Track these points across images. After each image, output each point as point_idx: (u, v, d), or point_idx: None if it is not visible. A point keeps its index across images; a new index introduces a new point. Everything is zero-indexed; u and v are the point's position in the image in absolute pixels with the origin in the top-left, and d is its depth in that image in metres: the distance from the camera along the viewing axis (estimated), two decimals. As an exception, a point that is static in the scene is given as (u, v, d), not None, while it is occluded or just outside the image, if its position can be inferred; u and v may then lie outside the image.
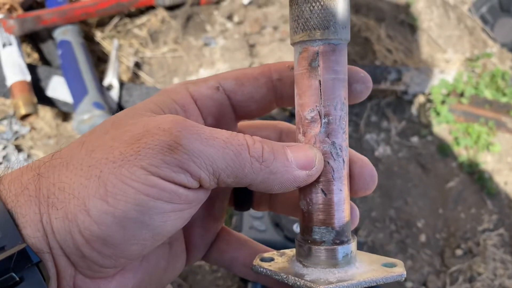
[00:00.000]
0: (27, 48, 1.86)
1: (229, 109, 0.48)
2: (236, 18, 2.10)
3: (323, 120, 0.43)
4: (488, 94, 2.14)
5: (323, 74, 0.42)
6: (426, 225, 1.90)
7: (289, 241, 1.45)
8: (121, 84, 1.77)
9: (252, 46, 2.04)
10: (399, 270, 0.43)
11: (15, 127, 1.75)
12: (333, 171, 0.43)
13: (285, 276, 0.43)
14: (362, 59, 2.14)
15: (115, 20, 2.00)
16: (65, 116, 1.81)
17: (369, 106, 2.09)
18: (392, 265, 0.44)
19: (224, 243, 0.54)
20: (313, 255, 0.44)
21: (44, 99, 1.68)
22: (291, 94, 0.46)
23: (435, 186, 2.00)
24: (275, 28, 2.05)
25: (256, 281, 0.53)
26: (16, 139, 1.74)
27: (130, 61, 1.93)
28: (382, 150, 2.03)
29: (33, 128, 1.77)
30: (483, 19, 2.38)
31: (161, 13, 2.04)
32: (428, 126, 2.12)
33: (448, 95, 2.12)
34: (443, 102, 2.11)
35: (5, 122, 1.75)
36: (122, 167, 0.36)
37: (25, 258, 0.35)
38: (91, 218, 0.36)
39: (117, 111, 1.50)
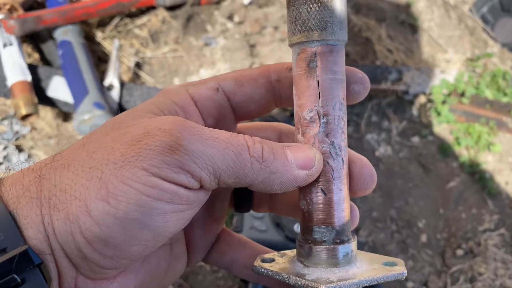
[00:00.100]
0: (28, 48, 1.86)
1: (228, 110, 0.49)
2: (236, 18, 2.10)
3: (322, 120, 0.43)
4: (489, 94, 2.14)
5: (321, 75, 0.43)
6: (427, 225, 1.90)
7: (290, 241, 1.45)
8: (122, 84, 1.77)
9: (252, 46, 2.04)
10: (399, 268, 0.43)
11: (16, 127, 1.75)
12: (333, 170, 0.44)
13: (286, 276, 0.43)
14: (363, 59, 2.14)
15: (116, 20, 2.00)
16: (65, 116, 1.81)
17: (369, 106, 2.09)
18: (392, 264, 0.44)
19: (224, 245, 0.54)
20: (313, 254, 0.44)
21: (44, 99, 1.68)
22: (290, 94, 0.47)
23: (436, 186, 2.00)
24: (276, 28, 2.05)
25: (257, 282, 0.53)
26: (17, 139, 1.74)
27: (130, 61, 1.93)
28: (383, 150, 2.03)
29: (33, 128, 1.77)
30: (484, 19, 2.38)
31: (162, 13, 2.05)
32: (429, 126, 2.12)
33: (449, 95, 2.11)
34: (444, 102, 2.11)
35: (5, 122, 1.75)
36: (123, 168, 0.36)
37: (27, 260, 0.35)
38: (93, 219, 0.36)
39: (117, 111, 1.50)
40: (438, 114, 2.10)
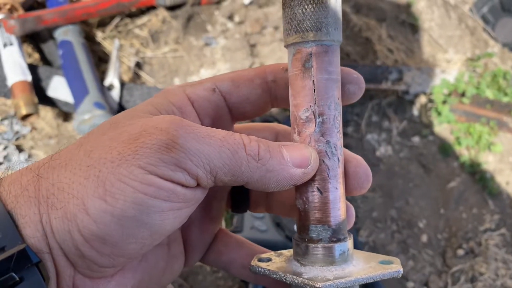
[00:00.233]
0: (28, 48, 1.86)
1: (225, 111, 0.49)
2: (237, 18, 2.10)
3: (318, 120, 0.44)
4: (489, 94, 2.14)
5: (316, 75, 0.43)
6: (427, 225, 1.90)
7: (290, 241, 1.45)
8: (122, 84, 1.77)
9: (253, 46, 2.04)
10: (396, 267, 0.44)
11: (16, 127, 1.75)
12: (328, 169, 0.44)
13: (283, 275, 0.44)
14: (363, 59, 2.14)
15: (116, 20, 2.01)
16: (66, 116, 1.81)
17: (370, 106, 2.09)
18: (389, 262, 0.45)
19: (222, 245, 0.55)
20: (310, 253, 0.44)
21: (45, 99, 1.68)
22: (286, 95, 0.47)
23: (436, 186, 2.00)
24: (276, 28, 2.06)
25: (254, 282, 0.53)
26: (17, 139, 1.75)
27: (131, 61, 1.93)
28: (383, 150, 2.03)
29: (34, 128, 1.77)
30: (484, 19, 2.38)
31: (162, 13, 2.05)
32: (429, 126, 2.12)
33: (449, 95, 2.11)
34: (444, 102, 2.11)
35: (6, 122, 1.76)
36: (120, 166, 0.37)
37: (25, 258, 0.36)
38: (90, 217, 0.36)
39: (118, 111, 1.50)
40: (439, 114, 2.10)
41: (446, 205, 1.96)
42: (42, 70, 1.70)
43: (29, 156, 1.71)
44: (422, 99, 2.16)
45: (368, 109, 2.09)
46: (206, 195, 0.43)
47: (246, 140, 0.40)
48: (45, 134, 1.77)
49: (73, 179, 0.37)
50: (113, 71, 1.76)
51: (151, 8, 2.07)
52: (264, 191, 0.45)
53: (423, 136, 2.10)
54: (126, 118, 0.42)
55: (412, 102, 2.16)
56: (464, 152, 2.09)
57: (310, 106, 0.43)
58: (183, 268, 0.52)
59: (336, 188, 0.44)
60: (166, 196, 0.37)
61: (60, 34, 1.77)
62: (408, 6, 2.36)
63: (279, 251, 0.50)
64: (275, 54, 1.99)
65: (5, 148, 1.70)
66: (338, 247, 0.44)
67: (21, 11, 1.72)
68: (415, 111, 2.15)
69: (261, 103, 0.49)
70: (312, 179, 0.44)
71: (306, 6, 0.42)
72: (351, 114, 2.07)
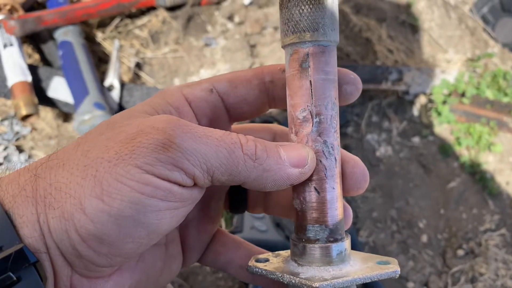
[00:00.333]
0: (28, 48, 1.86)
1: (222, 111, 0.49)
2: (237, 19, 2.10)
3: (315, 120, 0.44)
4: (489, 94, 2.14)
5: (313, 75, 0.43)
6: (427, 225, 1.90)
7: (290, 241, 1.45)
8: (122, 84, 1.77)
9: (253, 46, 2.04)
10: (393, 267, 0.44)
11: (16, 127, 1.76)
12: (326, 169, 0.44)
13: (280, 275, 0.44)
14: (363, 59, 2.14)
15: (116, 21, 2.01)
16: (66, 116, 1.81)
17: (370, 106, 2.09)
18: (386, 263, 0.45)
19: (219, 245, 0.55)
20: (307, 253, 0.45)
21: (45, 100, 1.69)
22: (283, 95, 0.47)
23: (436, 187, 2.00)
24: (276, 29, 2.06)
25: (251, 283, 0.53)
26: (17, 139, 1.75)
27: (131, 62, 1.93)
28: (383, 151, 2.03)
29: (34, 129, 1.78)
30: (484, 19, 2.38)
31: (162, 13, 2.05)
32: (429, 126, 2.12)
33: (449, 95, 2.11)
34: (444, 102, 2.11)
35: (6, 122, 1.76)
36: (117, 166, 0.37)
37: (23, 258, 0.36)
38: (87, 217, 0.36)
39: (117, 112, 1.51)
40: (439, 114, 2.10)
41: (446, 205, 1.96)
42: (42, 71, 1.70)
43: (29, 156, 1.71)
44: (422, 100, 2.16)
45: (368, 110, 2.09)
46: (203, 195, 0.43)
47: (243, 140, 0.41)
48: (45, 135, 1.77)
49: (71, 179, 0.38)
50: (113, 72, 1.76)
51: (151, 8, 2.07)
52: (261, 191, 0.45)
53: (423, 136, 2.10)
54: (124, 118, 0.42)
55: (412, 103, 2.16)
56: (464, 152, 2.09)
57: (307, 106, 0.44)
58: (181, 269, 0.52)
59: (333, 188, 0.44)
60: (163, 196, 0.37)
61: (60, 35, 1.77)
62: (408, 6, 2.36)
63: (276, 252, 0.50)
64: (275, 54, 2.00)
65: (5, 148, 1.71)
66: (335, 247, 0.44)
67: (21, 12, 1.72)
68: (415, 112, 2.15)
69: (258, 104, 0.49)
70: (309, 179, 0.44)
71: (303, 7, 0.42)
72: (351, 114, 2.07)
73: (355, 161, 0.47)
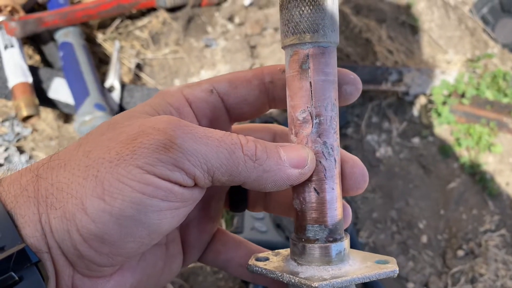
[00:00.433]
0: (29, 50, 1.86)
1: (223, 111, 0.49)
2: (237, 20, 2.11)
3: (315, 121, 0.44)
4: (489, 94, 2.14)
5: (313, 76, 0.44)
6: (427, 226, 1.90)
7: (290, 242, 1.45)
8: (123, 85, 1.78)
9: (253, 47, 2.04)
10: (391, 266, 0.44)
11: (17, 128, 1.76)
12: (325, 170, 0.44)
13: (279, 274, 0.44)
14: (363, 60, 2.14)
15: (117, 22, 2.01)
16: (66, 117, 1.82)
17: (370, 107, 2.10)
18: (385, 262, 0.45)
19: (220, 244, 0.55)
20: (307, 253, 0.45)
21: (45, 101, 1.69)
22: (283, 96, 0.47)
23: (436, 187, 2.00)
24: (276, 30, 2.06)
25: (251, 281, 0.54)
26: (18, 140, 1.75)
27: (131, 63, 1.93)
28: (383, 151, 2.03)
29: (34, 130, 1.78)
30: (484, 19, 2.38)
31: (162, 14, 2.05)
32: (429, 127, 2.12)
33: (449, 96, 2.12)
34: (444, 103, 2.11)
35: (7, 123, 1.76)
36: (119, 166, 0.37)
37: (25, 258, 0.36)
38: (89, 217, 0.37)
39: (118, 113, 1.51)
40: (439, 115, 2.10)
41: (446, 206, 1.96)
42: (43, 72, 1.70)
43: (30, 157, 1.71)
44: (422, 100, 2.16)
45: (368, 110, 2.09)
46: (204, 195, 0.43)
47: (243, 141, 0.41)
48: (46, 136, 1.77)
49: (72, 179, 0.38)
50: (114, 73, 1.76)
51: (151, 9, 2.07)
52: (261, 191, 0.46)
53: (423, 137, 2.10)
54: (124, 118, 0.42)
55: (412, 103, 2.16)
56: (464, 153, 2.09)
57: (307, 107, 0.44)
58: (181, 268, 0.53)
59: (333, 189, 0.45)
60: (164, 196, 0.38)
61: (61, 36, 1.77)
62: (408, 7, 2.36)
63: (276, 251, 0.50)
64: (275, 55, 2.00)
65: (6, 149, 1.71)
66: (334, 247, 0.44)
67: (22, 13, 1.72)
68: (415, 112, 2.15)
69: (258, 104, 0.49)
70: (309, 180, 0.44)
71: (303, 8, 0.43)
72: (351, 115, 2.07)
73: (355, 161, 0.48)
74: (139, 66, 1.96)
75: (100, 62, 1.93)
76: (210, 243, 0.55)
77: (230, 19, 2.11)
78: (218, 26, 2.09)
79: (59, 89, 1.70)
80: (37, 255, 0.37)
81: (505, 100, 2.14)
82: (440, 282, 1.78)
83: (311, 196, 0.45)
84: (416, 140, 2.09)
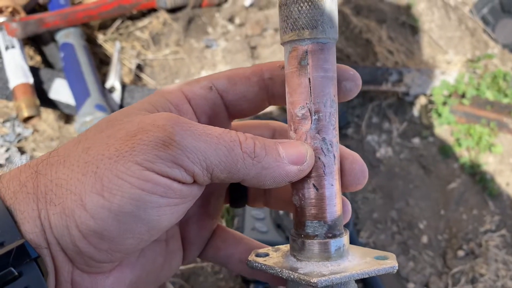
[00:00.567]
0: (30, 50, 1.87)
1: (222, 108, 0.49)
2: (237, 20, 2.11)
3: (314, 117, 0.44)
4: (489, 95, 2.14)
5: (312, 72, 0.44)
6: (428, 226, 1.90)
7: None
8: (123, 86, 1.78)
9: (253, 48, 2.05)
10: (391, 262, 0.44)
11: (18, 129, 1.76)
12: (324, 166, 0.44)
13: (279, 270, 0.44)
14: (364, 60, 2.14)
15: (117, 23, 2.01)
16: (67, 118, 1.82)
17: (370, 108, 2.10)
18: (384, 258, 0.45)
19: (220, 241, 0.55)
20: (306, 249, 0.45)
21: (46, 102, 1.69)
22: (282, 92, 0.47)
23: (436, 187, 2.00)
24: (276, 30, 2.06)
25: (251, 277, 0.54)
26: (19, 141, 1.75)
27: (132, 64, 1.94)
28: (383, 152, 2.03)
29: (35, 130, 1.78)
30: (484, 20, 2.38)
31: (163, 15, 2.05)
32: (429, 127, 2.13)
33: (449, 96, 2.12)
34: (444, 103, 2.11)
35: (8, 124, 1.76)
36: (118, 162, 0.37)
37: (24, 254, 0.36)
38: (88, 213, 0.37)
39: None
40: (439, 115, 2.10)
41: (446, 206, 1.96)
42: (44, 73, 1.71)
43: (31, 158, 1.72)
44: (422, 101, 2.16)
45: (369, 111, 2.09)
46: (204, 192, 0.43)
47: (242, 138, 0.41)
48: (47, 136, 1.77)
49: (71, 176, 0.38)
50: (114, 73, 1.77)
51: (152, 10, 2.07)
52: (261, 188, 0.46)
53: (423, 137, 2.10)
54: (124, 115, 0.42)
55: (412, 104, 2.16)
56: (464, 153, 2.09)
57: (306, 103, 0.44)
58: (181, 264, 0.53)
59: (332, 185, 0.45)
60: (163, 192, 0.38)
61: (62, 37, 1.78)
62: (408, 8, 2.36)
63: (276, 246, 0.50)
64: (275, 56, 2.00)
65: (7, 150, 1.71)
66: (333, 243, 0.45)
67: (23, 14, 1.72)
68: (415, 113, 2.15)
69: (258, 101, 0.49)
70: (308, 176, 0.44)
71: (302, 4, 0.43)
72: (351, 115, 2.07)
73: (354, 157, 0.48)
74: (139, 67, 1.96)
75: (101, 62, 1.93)
76: (210, 239, 0.55)
77: (231, 19, 2.11)
78: (219, 27, 2.09)
79: (60, 90, 1.70)
80: (36, 251, 0.37)
81: (505, 101, 2.14)
82: (441, 283, 1.78)
83: (310, 192, 0.45)
84: (416, 141, 2.09)
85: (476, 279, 1.79)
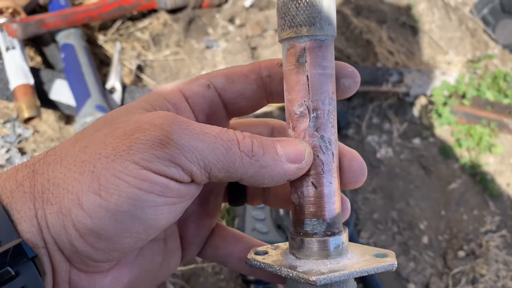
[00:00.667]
0: (30, 51, 1.87)
1: (220, 107, 0.49)
2: (237, 21, 2.11)
3: (312, 115, 0.44)
4: (490, 95, 2.14)
5: (310, 70, 0.43)
6: (428, 226, 1.90)
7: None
8: (124, 87, 1.78)
9: (253, 48, 2.05)
10: (390, 260, 0.44)
11: (19, 130, 1.76)
12: (323, 164, 0.44)
13: (278, 268, 0.44)
14: (364, 61, 2.14)
15: (118, 24, 2.01)
16: (68, 119, 1.82)
17: (371, 108, 2.10)
18: (383, 255, 0.45)
19: (219, 239, 0.55)
20: (305, 247, 0.45)
21: (47, 102, 1.69)
22: (281, 90, 0.47)
23: (437, 188, 2.00)
24: (277, 31, 2.06)
25: (250, 275, 0.54)
26: (19, 142, 1.75)
27: (132, 64, 1.94)
28: (384, 152, 2.03)
29: (36, 131, 1.78)
30: (485, 20, 2.38)
31: (163, 16, 2.06)
32: (430, 127, 2.13)
33: (449, 96, 2.12)
34: (445, 104, 2.11)
35: (8, 125, 1.76)
36: (115, 161, 0.37)
37: (21, 253, 0.36)
38: (85, 212, 0.37)
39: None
40: (439, 115, 2.10)
41: (446, 206, 1.96)
42: (44, 73, 1.71)
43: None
44: (423, 101, 2.16)
45: (369, 111, 2.09)
46: (202, 191, 0.43)
47: (239, 137, 0.41)
48: (47, 137, 1.77)
49: (68, 175, 0.38)
50: (115, 74, 1.77)
51: (152, 11, 2.07)
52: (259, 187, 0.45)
53: (424, 137, 2.10)
54: (121, 114, 0.42)
55: (412, 104, 2.16)
56: (465, 154, 2.09)
57: (304, 101, 0.44)
58: (180, 263, 0.53)
59: (331, 183, 0.44)
60: (160, 191, 0.38)
61: (62, 38, 1.78)
62: (408, 8, 2.36)
63: (275, 244, 0.50)
64: (276, 56, 2.00)
65: (8, 151, 1.71)
66: (332, 241, 0.44)
67: (23, 15, 1.73)
68: (416, 113, 2.15)
69: (256, 99, 0.49)
70: (306, 174, 0.44)
71: (299, 1, 0.42)
72: (352, 116, 2.07)
73: (353, 155, 0.47)
74: (140, 68, 1.96)
75: (101, 63, 1.94)
76: (209, 238, 0.55)
77: (231, 20, 2.12)
78: (219, 28, 2.09)
79: (60, 91, 1.70)
80: (33, 250, 0.37)
81: (505, 101, 2.14)
82: (441, 283, 1.78)
83: (309, 190, 0.44)
84: (416, 141, 2.09)
85: (477, 280, 1.79)
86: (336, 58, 0.46)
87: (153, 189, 0.37)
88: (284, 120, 0.48)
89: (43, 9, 1.90)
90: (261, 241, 0.54)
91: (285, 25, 0.44)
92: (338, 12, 2.20)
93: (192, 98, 0.47)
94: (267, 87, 0.49)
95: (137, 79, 1.94)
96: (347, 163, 0.47)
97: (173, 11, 2.07)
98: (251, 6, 2.14)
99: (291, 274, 0.43)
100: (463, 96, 2.12)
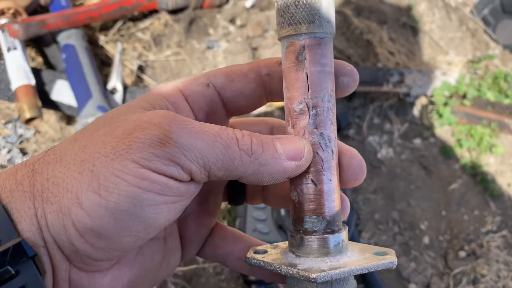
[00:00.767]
0: (32, 52, 1.87)
1: (219, 105, 0.49)
2: (238, 22, 2.11)
3: (311, 112, 0.44)
4: (490, 95, 2.14)
5: (309, 67, 0.43)
6: (429, 227, 1.90)
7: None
8: (125, 87, 1.78)
9: (254, 49, 2.05)
10: (390, 258, 0.44)
11: (20, 130, 1.76)
12: (322, 161, 0.44)
13: (278, 267, 0.44)
14: (364, 61, 2.14)
15: (119, 24, 2.02)
16: (69, 119, 1.82)
17: (371, 109, 2.10)
18: (383, 254, 0.45)
19: (218, 238, 0.55)
20: (305, 244, 0.45)
21: (48, 103, 1.69)
22: (280, 88, 0.47)
23: (438, 188, 2.00)
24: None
25: (250, 274, 0.53)
26: (21, 142, 1.75)
27: (133, 65, 1.94)
28: (384, 152, 2.03)
29: (37, 132, 1.78)
30: (485, 21, 2.38)
31: (164, 16, 2.06)
32: (430, 128, 2.12)
33: (450, 97, 2.12)
34: (445, 104, 2.11)
35: (9, 125, 1.77)
36: (114, 160, 0.37)
37: (21, 252, 0.36)
38: (84, 211, 0.37)
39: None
40: (440, 116, 2.10)
41: (447, 207, 1.96)
42: (46, 74, 1.71)
43: (32, 159, 1.71)
44: (423, 101, 2.16)
45: (370, 112, 2.09)
46: (202, 189, 0.43)
47: (239, 135, 0.41)
48: (49, 138, 1.78)
49: (68, 174, 0.38)
50: (116, 75, 1.77)
51: (153, 11, 2.08)
52: (259, 185, 0.46)
53: (425, 138, 2.10)
54: (120, 113, 0.42)
55: (413, 104, 2.16)
56: (466, 154, 2.09)
57: (304, 98, 0.44)
58: (180, 262, 0.53)
59: (330, 180, 0.44)
60: (159, 190, 0.38)
61: (63, 38, 1.78)
62: (409, 9, 2.36)
63: (275, 243, 0.50)
64: (276, 56, 2.00)
65: (9, 151, 1.71)
66: (332, 238, 0.44)
67: (24, 16, 1.73)
68: (416, 113, 2.15)
69: (255, 97, 0.49)
70: (306, 171, 0.44)
71: None
72: (352, 116, 2.07)
73: (352, 153, 0.47)
74: (141, 68, 1.97)
75: (102, 64, 1.94)
76: (209, 237, 0.55)
77: (232, 21, 2.12)
78: (220, 28, 2.09)
79: (61, 91, 1.70)
80: (33, 250, 0.37)
81: (506, 101, 2.14)
82: (442, 283, 1.78)
83: (308, 187, 0.44)
84: (417, 141, 2.09)
85: (478, 280, 1.79)
86: (337, 58, 0.46)
87: (152, 187, 0.37)
88: (284, 119, 0.48)
89: (44, 9, 1.90)
90: (262, 241, 0.54)
91: (284, 23, 0.44)
92: (339, 12, 2.20)
93: (192, 97, 0.48)
94: (267, 86, 0.49)
95: (138, 80, 1.94)
96: (346, 161, 0.47)
97: (174, 12, 2.07)
98: (252, 6, 2.14)
99: (291, 272, 0.43)
100: (464, 96, 2.12)
